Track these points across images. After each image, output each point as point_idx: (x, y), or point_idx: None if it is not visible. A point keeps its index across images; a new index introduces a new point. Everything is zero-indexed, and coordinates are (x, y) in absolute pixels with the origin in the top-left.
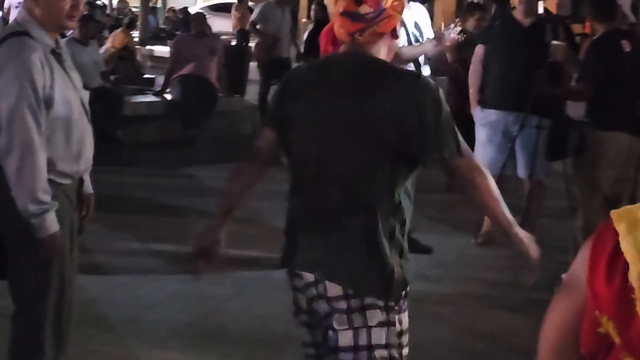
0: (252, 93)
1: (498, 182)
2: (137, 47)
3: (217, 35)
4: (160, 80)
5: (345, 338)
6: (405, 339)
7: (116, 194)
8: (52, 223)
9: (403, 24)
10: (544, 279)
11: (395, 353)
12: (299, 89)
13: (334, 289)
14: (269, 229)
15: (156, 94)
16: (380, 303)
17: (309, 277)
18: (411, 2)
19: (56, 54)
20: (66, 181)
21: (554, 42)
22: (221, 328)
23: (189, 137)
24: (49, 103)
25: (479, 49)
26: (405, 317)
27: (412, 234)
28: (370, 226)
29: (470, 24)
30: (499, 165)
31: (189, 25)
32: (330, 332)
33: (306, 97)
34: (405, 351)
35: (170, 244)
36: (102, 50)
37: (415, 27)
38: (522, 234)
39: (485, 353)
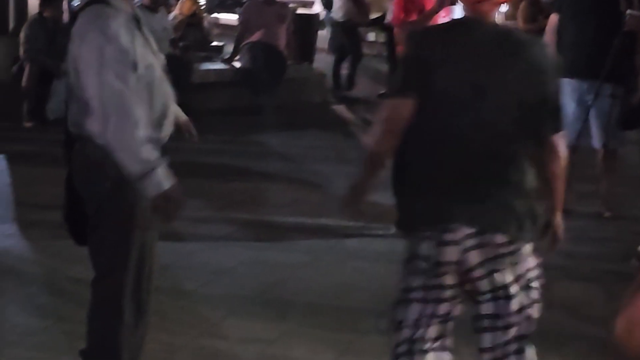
0: (320, 61)
1: (572, 152)
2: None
3: (285, 3)
4: (228, 48)
5: (508, 277)
6: None
7: (186, 160)
8: (163, 180)
9: None
10: (618, 249)
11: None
12: (439, 56)
13: (497, 238)
14: (340, 197)
15: (225, 61)
16: (532, 247)
17: (466, 230)
18: None
19: (135, 19)
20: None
21: (629, 11)
22: (294, 296)
23: (258, 105)
24: (133, 67)
25: (553, 18)
26: None
27: None
28: (520, 180)
29: None
30: (574, 134)
31: None
32: (485, 278)
33: (449, 64)
34: None
35: (241, 210)
36: (170, 17)
37: None
38: (561, 223)
39: (560, 323)
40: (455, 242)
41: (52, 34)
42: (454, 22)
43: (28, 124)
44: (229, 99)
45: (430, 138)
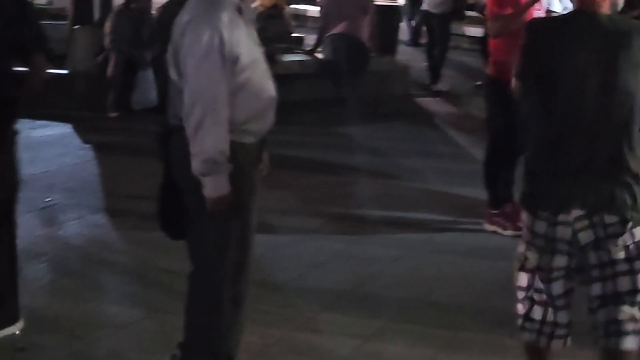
0: (401, 53)
1: None
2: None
3: None
4: (308, 39)
5: (620, 254)
6: None
7: (269, 153)
8: (221, 185)
9: None
10: None
11: None
12: (559, 45)
13: (609, 219)
14: (428, 191)
15: (307, 53)
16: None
17: (580, 212)
18: None
19: (241, 10)
20: (250, 140)
21: None
22: (387, 291)
23: (341, 97)
24: (235, 60)
25: None
26: None
27: None
28: (629, 166)
29: None
30: None
31: None
32: (599, 253)
33: (568, 54)
34: None
35: (329, 203)
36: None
37: None
38: None
39: None
40: (568, 223)
41: (138, 25)
42: (570, 14)
43: (113, 114)
44: (311, 90)
45: (551, 127)
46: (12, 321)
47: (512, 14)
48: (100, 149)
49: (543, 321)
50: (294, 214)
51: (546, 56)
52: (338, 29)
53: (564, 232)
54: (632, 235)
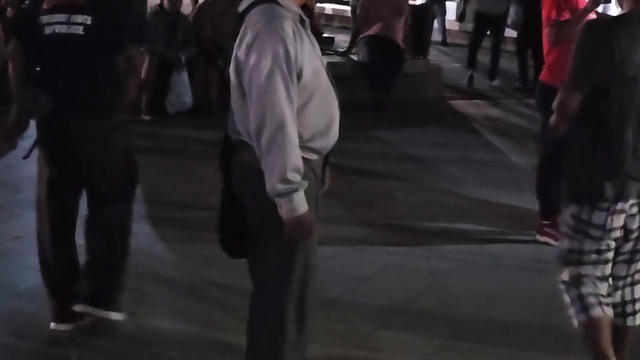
0: (432, 55)
1: None
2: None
3: None
4: (340, 39)
5: None
6: None
7: None
8: (300, 204)
9: None
10: None
11: None
12: (618, 44)
13: None
14: (473, 199)
15: (342, 54)
16: None
17: (632, 200)
18: None
19: (303, 21)
20: (314, 157)
21: None
22: (443, 307)
23: (376, 100)
24: (299, 74)
25: None
26: None
27: None
28: None
29: None
30: None
31: None
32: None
33: (622, 53)
34: None
35: (372, 212)
36: None
37: None
38: None
39: None
40: (624, 211)
41: (172, 26)
42: (625, 14)
43: (147, 117)
44: (346, 93)
45: (606, 122)
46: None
47: (571, 19)
48: (136, 154)
49: (596, 294)
50: (338, 223)
51: (606, 56)
52: (373, 30)
53: (619, 219)
54: None
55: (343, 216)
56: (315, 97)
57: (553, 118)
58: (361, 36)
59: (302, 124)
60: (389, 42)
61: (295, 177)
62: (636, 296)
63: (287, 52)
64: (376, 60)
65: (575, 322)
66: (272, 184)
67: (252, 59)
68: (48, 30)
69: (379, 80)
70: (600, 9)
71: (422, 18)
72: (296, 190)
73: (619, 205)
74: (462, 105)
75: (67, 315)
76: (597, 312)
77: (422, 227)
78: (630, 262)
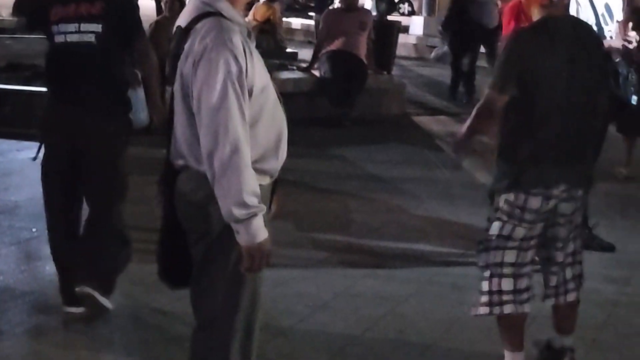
0: (397, 70)
1: None
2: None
3: (367, 10)
4: (301, 54)
5: (578, 218)
6: None
7: None
8: (259, 230)
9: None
10: None
11: None
12: (535, 50)
13: (578, 192)
14: (434, 220)
15: (304, 69)
16: None
17: (563, 187)
18: None
19: (250, 35)
20: (265, 180)
21: None
22: (400, 335)
23: (337, 116)
24: (250, 90)
25: None
26: None
27: (594, 229)
28: (593, 146)
29: None
30: None
31: None
32: (564, 220)
33: (545, 56)
34: None
35: (331, 233)
36: None
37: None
38: None
39: None
40: (557, 196)
41: None
42: (540, 21)
43: None
44: (307, 109)
45: (537, 119)
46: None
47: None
48: None
49: (514, 291)
50: (295, 246)
51: (527, 61)
52: (335, 45)
53: (552, 204)
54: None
55: (299, 238)
56: (265, 114)
57: (464, 128)
58: (323, 51)
59: (253, 144)
60: (352, 57)
61: (253, 201)
62: (568, 277)
63: (239, 68)
64: (338, 76)
65: (485, 310)
66: (228, 209)
67: (202, 76)
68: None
69: (341, 96)
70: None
71: (387, 33)
72: (255, 215)
73: (552, 191)
74: (426, 121)
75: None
76: (510, 309)
77: (381, 249)
78: (564, 248)
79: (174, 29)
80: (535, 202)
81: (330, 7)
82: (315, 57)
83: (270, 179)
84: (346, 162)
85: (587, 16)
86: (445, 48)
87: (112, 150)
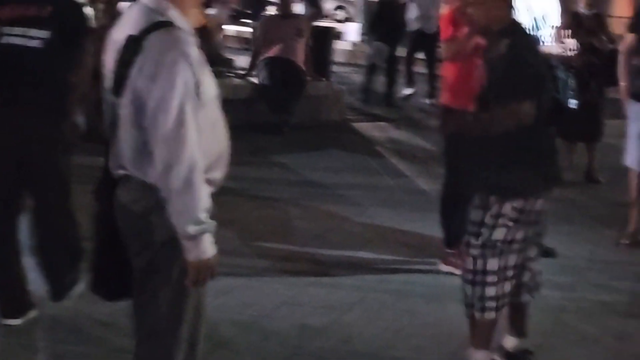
0: (334, 76)
1: None
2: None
3: (304, 16)
4: (239, 62)
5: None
6: None
7: None
8: (209, 246)
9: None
10: None
11: None
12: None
13: (540, 203)
14: (377, 227)
15: (241, 76)
16: None
17: (537, 195)
18: None
19: (200, 47)
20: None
21: None
22: (345, 346)
23: (276, 123)
24: (201, 102)
25: (629, 38)
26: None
27: None
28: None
29: None
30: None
31: (261, 3)
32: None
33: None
34: None
35: (273, 241)
36: None
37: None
38: None
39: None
40: (534, 204)
41: None
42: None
43: None
44: (245, 116)
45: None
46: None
47: (468, 34)
48: None
49: (497, 297)
50: (237, 255)
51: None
52: (273, 52)
53: (531, 213)
54: None
55: (241, 247)
56: (211, 125)
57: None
58: (261, 58)
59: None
60: (290, 63)
61: (206, 218)
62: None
63: (195, 82)
64: (276, 83)
65: (492, 314)
66: (183, 226)
67: (160, 92)
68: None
69: (280, 103)
70: None
71: (324, 39)
72: (206, 231)
73: (539, 198)
74: (365, 128)
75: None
76: (493, 314)
77: (323, 257)
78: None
79: (118, 35)
80: (539, 204)
81: (268, 14)
82: (253, 64)
83: (214, 190)
84: (287, 169)
85: (524, 20)
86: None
87: (53, 157)
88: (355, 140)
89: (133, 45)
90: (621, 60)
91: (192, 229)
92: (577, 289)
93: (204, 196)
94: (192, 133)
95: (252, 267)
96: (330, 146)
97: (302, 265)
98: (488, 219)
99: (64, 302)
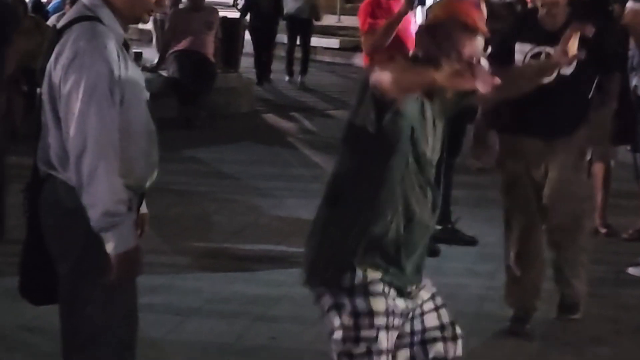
0: (245, 68)
1: None
2: None
3: (214, 8)
4: (146, 54)
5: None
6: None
7: None
8: (127, 238)
9: None
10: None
11: None
12: None
13: None
14: (295, 220)
15: (150, 70)
16: None
17: None
18: None
19: (127, 45)
20: (130, 195)
21: None
22: (274, 342)
23: (187, 117)
24: (121, 100)
25: None
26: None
27: (457, 224)
28: None
29: None
30: None
31: None
32: None
33: None
34: None
35: (194, 238)
36: None
37: None
38: None
39: None
40: None
41: None
42: None
43: None
44: (155, 111)
45: None
46: None
47: (385, 25)
48: None
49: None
50: (157, 253)
51: None
52: (182, 45)
53: None
54: None
55: (160, 244)
56: (136, 127)
57: None
58: (171, 51)
59: (121, 157)
60: (200, 56)
61: (121, 209)
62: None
63: (111, 73)
64: (187, 76)
65: None
66: (96, 218)
67: (71, 80)
68: None
69: (190, 96)
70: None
71: (233, 31)
72: (122, 222)
73: None
74: (276, 119)
75: None
76: None
77: (244, 253)
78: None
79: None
80: None
81: (177, 7)
82: (162, 57)
83: (134, 195)
84: (200, 164)
85: None
86: None
87: None
88: (267, 132)
89: (55, 36)
90: None
91: (105, 220)
92: (497, 277)
93: (116, 187)
94: (103, 124)
95: (173, 265)
96: (242, 138)
97: (223, 262)
98: None
99: None
